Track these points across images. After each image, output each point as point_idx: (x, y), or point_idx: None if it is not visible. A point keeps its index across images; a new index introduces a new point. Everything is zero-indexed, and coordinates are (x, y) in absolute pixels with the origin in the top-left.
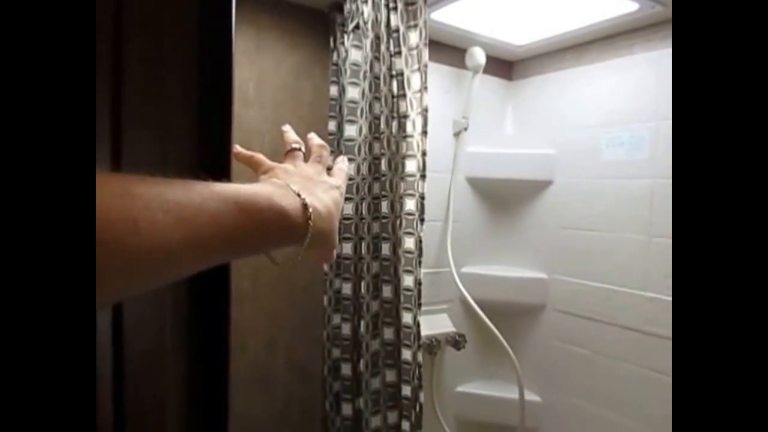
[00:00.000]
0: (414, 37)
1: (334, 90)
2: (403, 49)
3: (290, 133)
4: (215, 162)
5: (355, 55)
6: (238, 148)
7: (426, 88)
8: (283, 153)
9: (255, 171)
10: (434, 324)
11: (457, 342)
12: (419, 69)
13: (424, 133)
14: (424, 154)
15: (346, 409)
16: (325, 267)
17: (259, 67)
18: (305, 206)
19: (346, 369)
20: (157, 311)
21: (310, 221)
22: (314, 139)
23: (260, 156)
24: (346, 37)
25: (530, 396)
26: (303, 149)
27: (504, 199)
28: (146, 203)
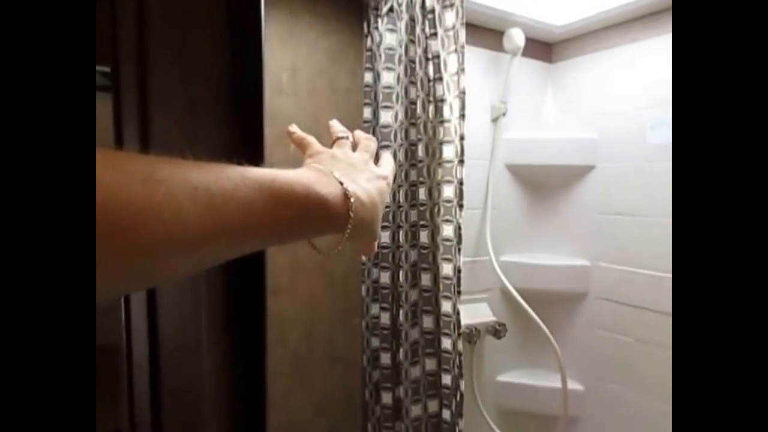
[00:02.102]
0: (450, 17)
1: (368, 76)
2: (439, 31)
3: (337, 125)
4: (246, 135)
5: (389, 39)
6: (294, 127)
7: (463, 69)
8: (330, 143)
9: (303, 153)
10: (474, 313)
11: (497, 331)
12: (456, 50)
13: (462, 116)
14: (462, 138)
15: (386, 398)
16: (363, 258)
17: (292, 54)
18: (347, 195)
19: (385, 358)
20: (192, 299)
21: (351, 211)
22: (361, 133)
23: (311, 139)
24: (380, 20)
25: (572, 384)
26: (351, 139)
27: (544, 185)
28: (171, 190)
